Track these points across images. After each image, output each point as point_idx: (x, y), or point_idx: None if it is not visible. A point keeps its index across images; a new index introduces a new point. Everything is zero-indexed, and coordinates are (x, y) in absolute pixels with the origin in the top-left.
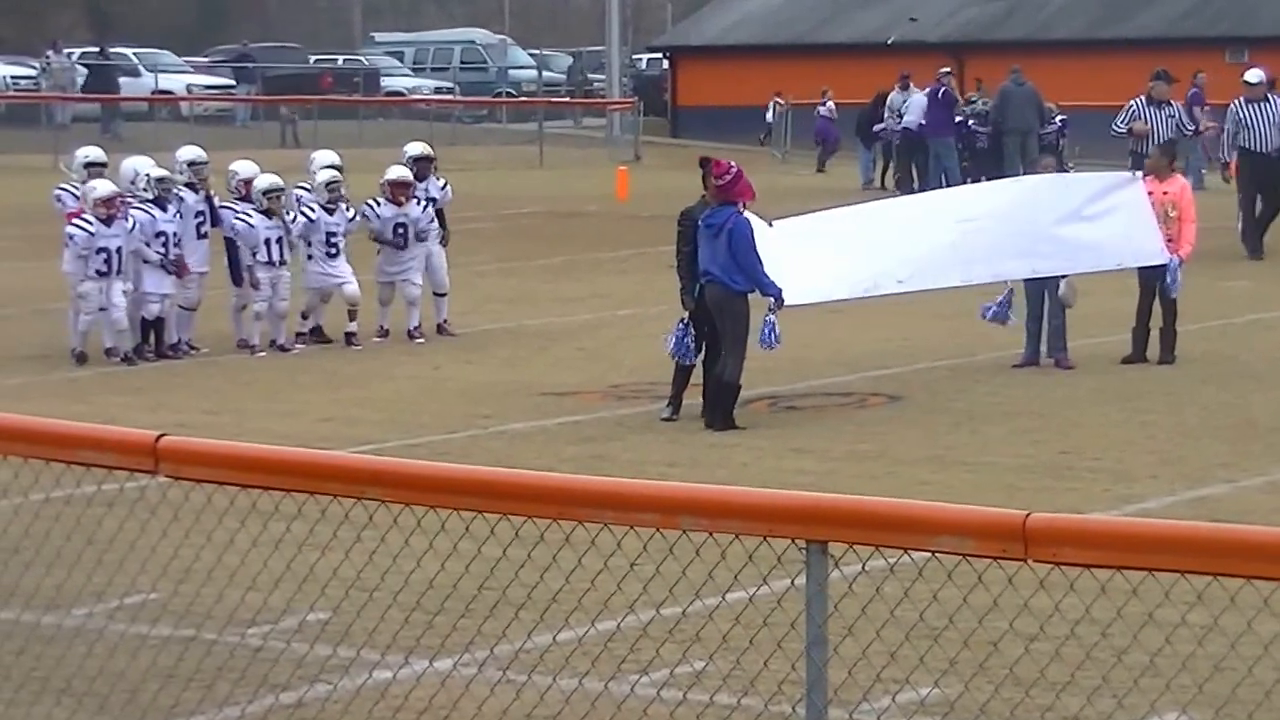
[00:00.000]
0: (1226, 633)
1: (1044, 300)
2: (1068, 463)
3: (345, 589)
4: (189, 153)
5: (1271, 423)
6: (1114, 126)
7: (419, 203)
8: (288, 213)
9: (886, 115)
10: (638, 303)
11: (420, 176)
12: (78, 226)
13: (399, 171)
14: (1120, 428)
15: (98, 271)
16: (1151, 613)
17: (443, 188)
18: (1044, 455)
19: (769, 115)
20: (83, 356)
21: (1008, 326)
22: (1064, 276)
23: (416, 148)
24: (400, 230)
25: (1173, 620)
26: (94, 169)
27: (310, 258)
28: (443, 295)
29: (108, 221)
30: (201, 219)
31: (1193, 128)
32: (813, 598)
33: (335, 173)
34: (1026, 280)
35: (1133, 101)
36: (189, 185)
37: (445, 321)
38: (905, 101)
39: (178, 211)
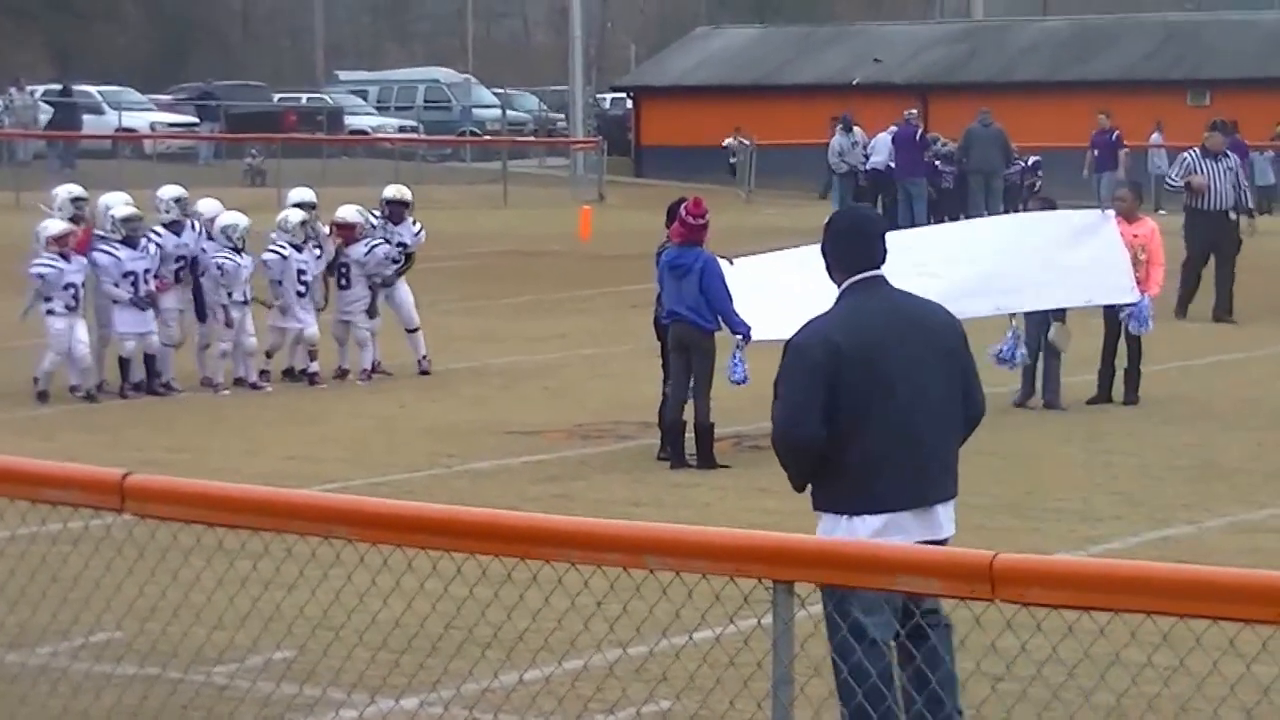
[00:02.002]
0: (1192, 673)
1: (1040, 343)
2: (1032, 503)
3: (311, 628)
4: (173, 190)
5: (1234, 464)
6: (1169, 180)
7: (365, 244)
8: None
9: (834, 159)
10: (602, 342)
11: (395, 219)
12: (44, 264)
13: (343, 212)
14: (1085, 468)
15: (66, 307)
16: (1118, 653)
17: (416, 233)
18: (1009, 495)
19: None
20: (44, 395)
21: (1016, 368)
22: (1058, 319)
23: (391, 190)
24: (343, 270)
25: (1139, 661)
26: (79, 203)
27: (279, 297)
28: (414, 331)
29: (66, 258)
30: (182, 263)
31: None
32: (779, 637)
33: (304, 212)
34: (1027, 320)
35: (1187, 154)
36: (171, 224)
37: (423, 359)
38: (856, 144)
39: (148, 249)
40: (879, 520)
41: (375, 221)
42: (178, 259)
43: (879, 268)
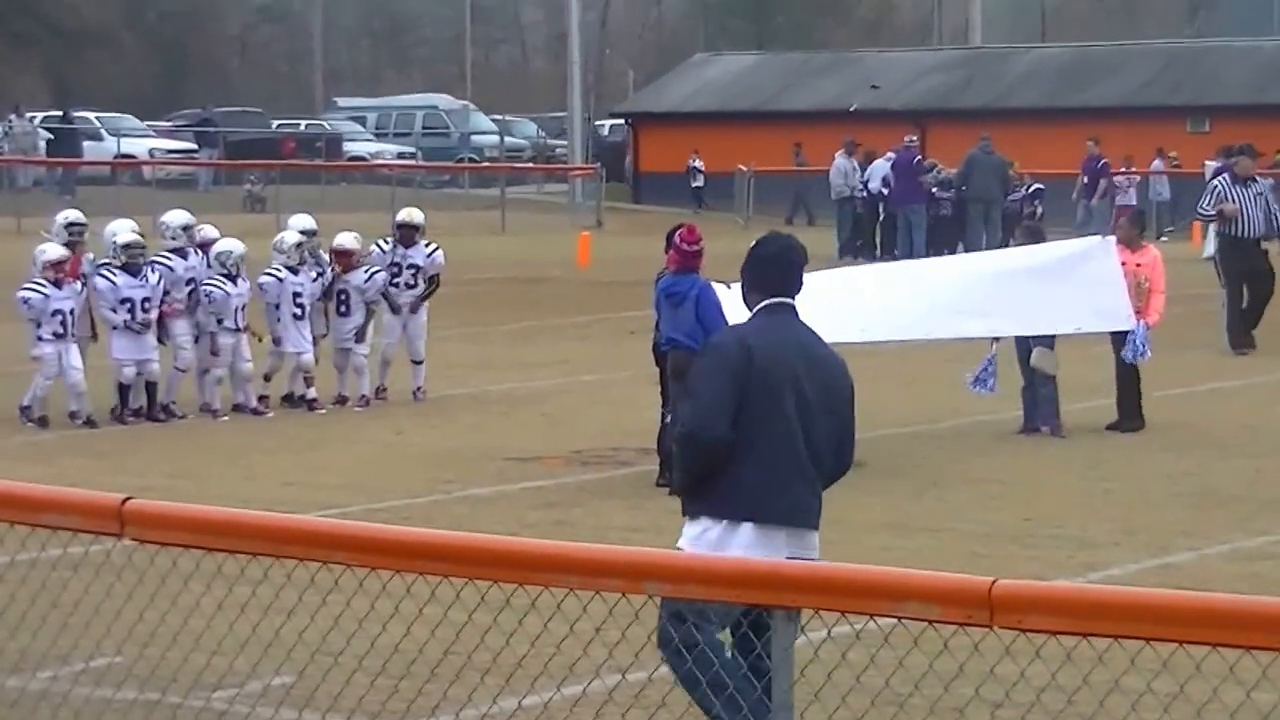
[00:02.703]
0: (1192, 700)
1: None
2: (1031, 529)
3: (310, 653)
4: (180, 217)
5: (1233, 491)
6: (1201, 209)
7: (365, 271)
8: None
9: (838, 182)
10: (600, 368)
11: (406, 243)
12: (31, 290)
13: (341, 239)
14: (1083, 495)
15: (54, 334)
16: (1117, 680)
17: (430, 254)
18: (1007, 522)
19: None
20: (43, 420)
21: (993, 395)
22: (1041, 345)
23: (401, 214)
24: (342, 297)
25: (1138, 688)
26: (74, 229)
27: (279, 320)
28: (419, 363)
29: (58, 284)
30: (192, 286)
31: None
32: (778, 663)
33: (301, 235)
34: (1017, 349)
35: (1217, 181)
36: (177, 250)
37: (419, 389)
38: (855, 169)
39: (147, 277)
40: (758, 532)
41: (386, 247)
42: (187, 282)
43: (792, 297)
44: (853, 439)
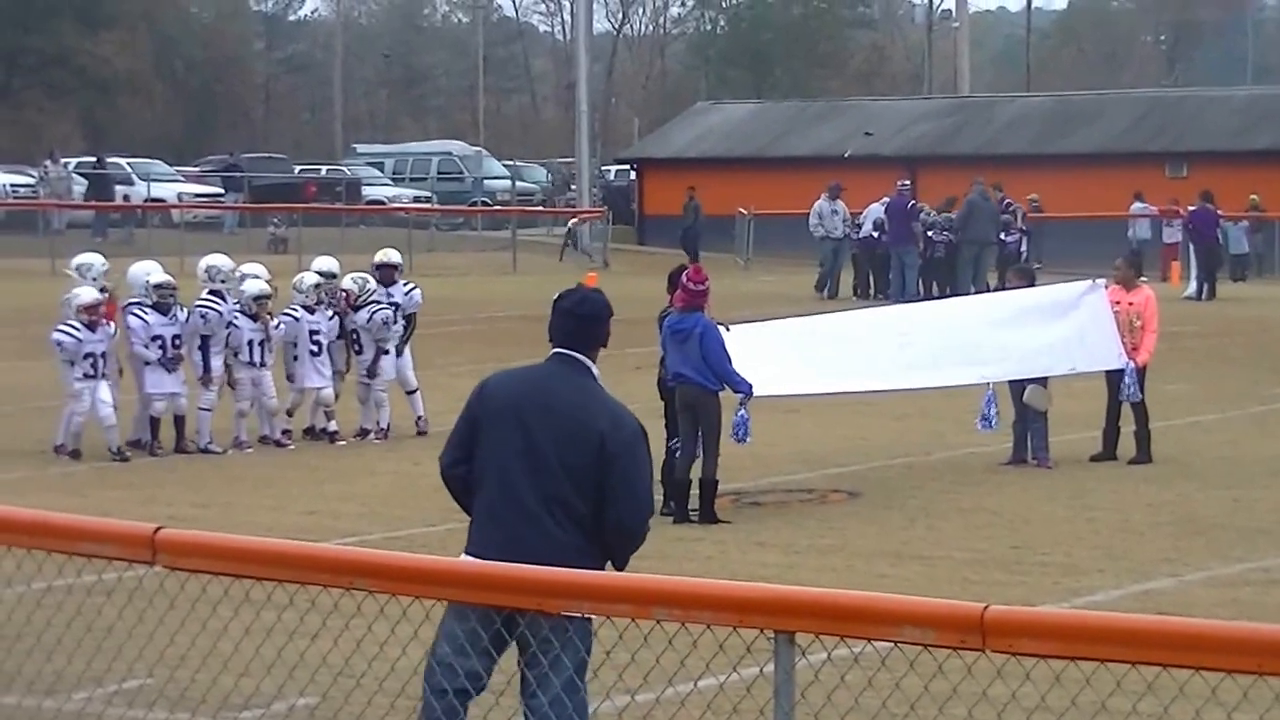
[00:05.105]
0: None
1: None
2: (1018, 557)
3: (333, 675)
4: (220, 260)
5: (1212, 520)
6: None
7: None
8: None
9: (813, 222)
10: None
11: (385, 282)
12: (64, 333)
13: (343, 281)
14: (1068, 524)
15: (85, 375)
16: (1104, 701)
17: (408, 293)
18: (996, 550)
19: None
20: (76, 453)
21: (997, 432)
22: (1034, 382)
23: (379, 255)
24: (354, 335)
25: (1124, 709)
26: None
27: (296, 358)
28: (412, 393)
29: (91, 327)
30: (231, 328)
31: None
32: (780, 685)
33: (319, 276)
34: (1010, 384)
35: None
36: (216, 292)
37: (420, 419)
38: (835, 212)
39: (177, 315)
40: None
41: (372, 286)
42: (226, 325)
43: (583, 350)
44: (626, 496)
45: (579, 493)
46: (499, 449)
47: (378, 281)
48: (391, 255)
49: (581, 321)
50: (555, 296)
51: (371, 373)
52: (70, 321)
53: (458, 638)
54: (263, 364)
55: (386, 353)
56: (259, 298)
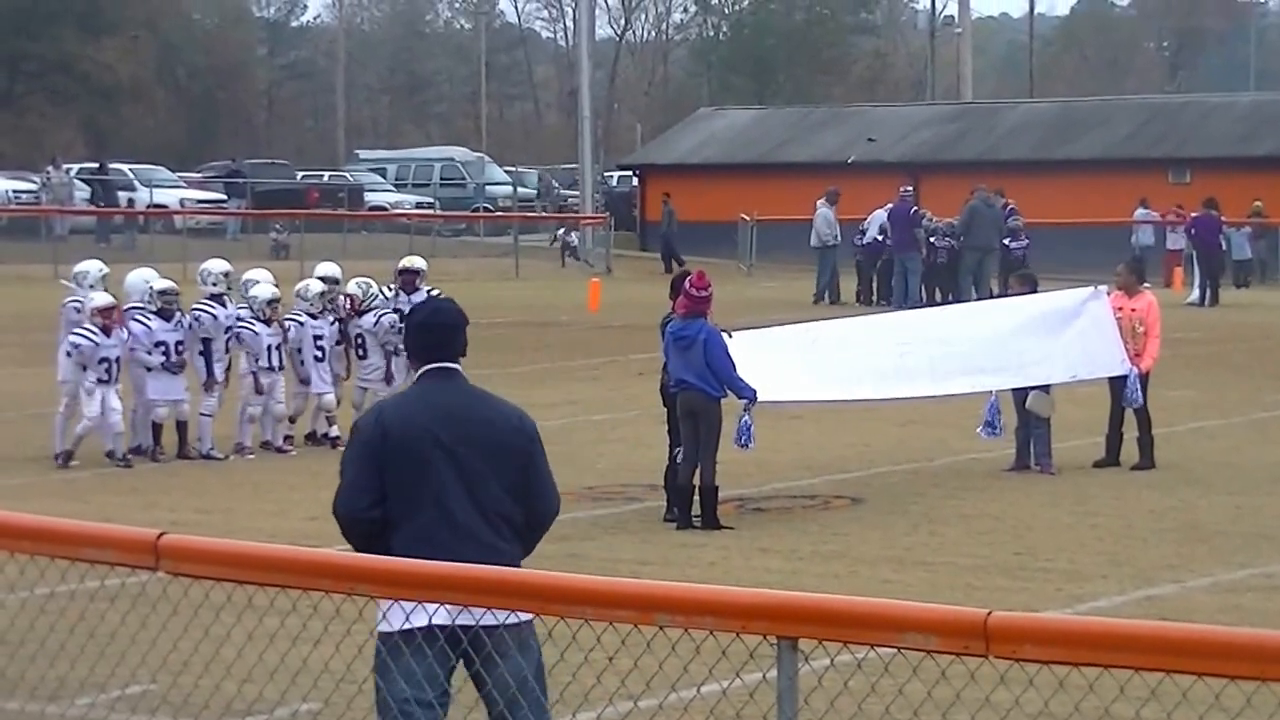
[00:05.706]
0: None
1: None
2: (1021, 563)
3: (335, 681)
4: (220, 265)
5: (1215, 526)
6: None
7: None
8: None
9: (826, 231)
10: (609, 409)
11: (407, 288)
12: (82, 336)
13: (348, 286)
14: (1071, 530)
15: (98, 380)
16: (1107, 708)
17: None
18: (999, 556)
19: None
20: (69, 454)
21: (1001, 438)
22: (1038, 389)
23: (404, 260)
24: (359, 340)
25: (1127, 715)
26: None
27: (302, 363)
28: None
29: (106, 331)
30: (230, 334)
31: None
32: (783, 691)
33: (322, 283)
34: (1013, 391)
35: None
36: (216, 297)
37: None
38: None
39: (181, 321)
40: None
41: (389, 293)
42: (227, 330)
43: (454, 360)
44: (545, 486)
45: (515, 500)
46: (427, 478)
47: (399, 287)
48: (416, 262)
49: (444, 331)
50: (410, 311)
51: (389, 379)
52: (87, 325)
53: (415, 674)
54: (281, 368)
55: (398, 354)
56: (272, 302)
